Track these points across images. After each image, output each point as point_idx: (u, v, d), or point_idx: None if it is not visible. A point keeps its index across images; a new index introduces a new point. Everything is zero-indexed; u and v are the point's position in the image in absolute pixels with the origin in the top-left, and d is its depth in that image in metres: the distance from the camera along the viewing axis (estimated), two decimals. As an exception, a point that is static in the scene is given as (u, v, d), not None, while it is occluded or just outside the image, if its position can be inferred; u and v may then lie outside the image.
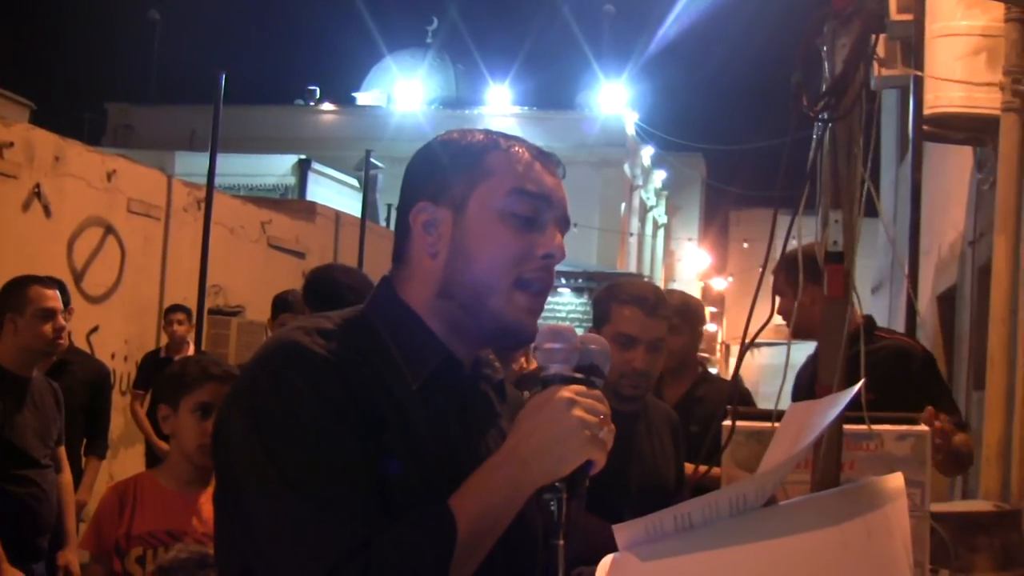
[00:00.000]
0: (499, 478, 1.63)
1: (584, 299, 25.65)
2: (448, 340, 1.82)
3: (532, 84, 37.17)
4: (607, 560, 1.46)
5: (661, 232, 44.59)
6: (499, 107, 35.56)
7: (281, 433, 1.62)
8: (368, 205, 20.99)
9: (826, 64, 2.46)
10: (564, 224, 1.87)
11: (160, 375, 3.98)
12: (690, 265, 46.20)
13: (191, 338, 9.24)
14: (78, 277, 9.90)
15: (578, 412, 1.62)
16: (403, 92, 37.40)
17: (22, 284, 4.89)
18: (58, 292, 4.94)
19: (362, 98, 39.10)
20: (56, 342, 4.89)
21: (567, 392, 1.64)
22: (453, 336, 1.82)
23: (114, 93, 37.24)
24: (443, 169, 1.84)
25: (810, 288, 2.79)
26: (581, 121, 33.71)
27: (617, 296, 3.47)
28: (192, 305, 9.83)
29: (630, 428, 3.47)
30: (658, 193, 42.86)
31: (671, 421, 3.69)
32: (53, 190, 9.44)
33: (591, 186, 31.88)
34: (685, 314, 4.75)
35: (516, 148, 1.85)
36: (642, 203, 39.72)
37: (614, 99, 35.58)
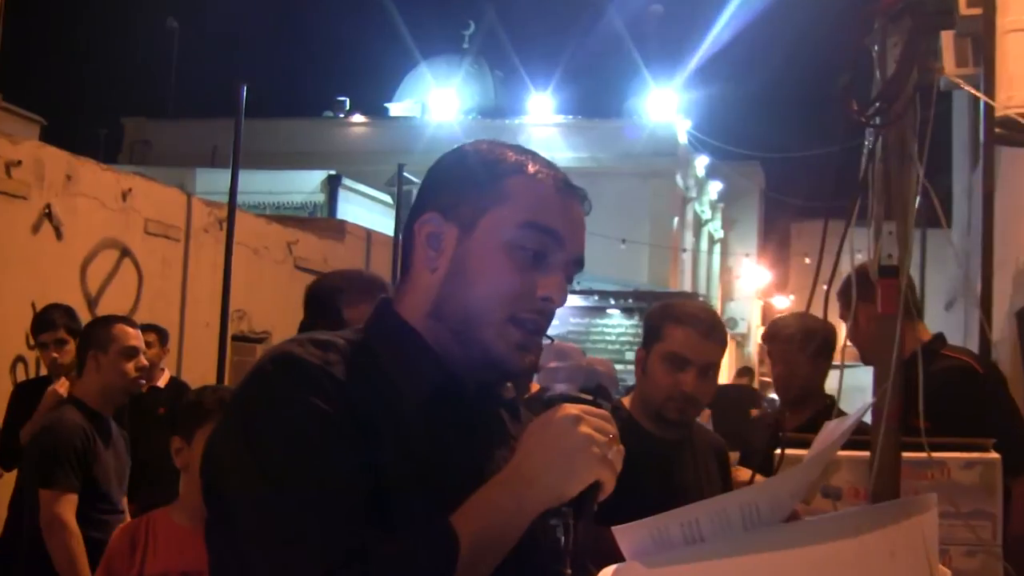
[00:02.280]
0: (502, 496, 1.65)
1: (635, 320, 25.56)
2: (446, 359, 1.84)
3: (576, 91, 37.21)
4: (608, 571, 1.48)
5: (717, 247, 44.41)
6: (540, 116, 35.56)
7: (272, 442, 1.65)
8: (401, 223, 21.07)
9: (877, 65, 2.46)
10: (576, 267, 1.88)
11: (174, 405, 4.05)
12: (749, 282, 45.96)
13: (166, 363, 8.43)
14: (92, 303, 10.01)
15: (585, 429, 1.65)
16: (438, 102, 37.51)
17: (106, 322, 5.18)
18: (140, 332, 5.19)
19: (395, 109, 39.22)
20: (138, 381, 5.15)
21: (573, 409, 1.67)
22: (447, 357, 1.84)
23: (130, 107, 37.58)
24: (459, 182, 1.87)
25: (866, 307, 2.79)
26: (631, 129, 33.61)
27: (672, 314, 3.50)
28: (215, 330, 9.90)
29: (673, 457, 3.48)
30: (713, 206, 42.68)
31: (718, 451, 3.69)
32: (65, 211, 9.56)
33: (640, 199, 31.80)
34: (805, 341, 4.66)
35: (541, 176, 1.85)
36: (696, 216, 39.58)
37: (663, 106, 35.50)
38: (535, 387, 7.32)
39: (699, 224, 40.61)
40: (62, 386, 5.59)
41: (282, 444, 1.64)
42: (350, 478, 1.63)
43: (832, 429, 1.87)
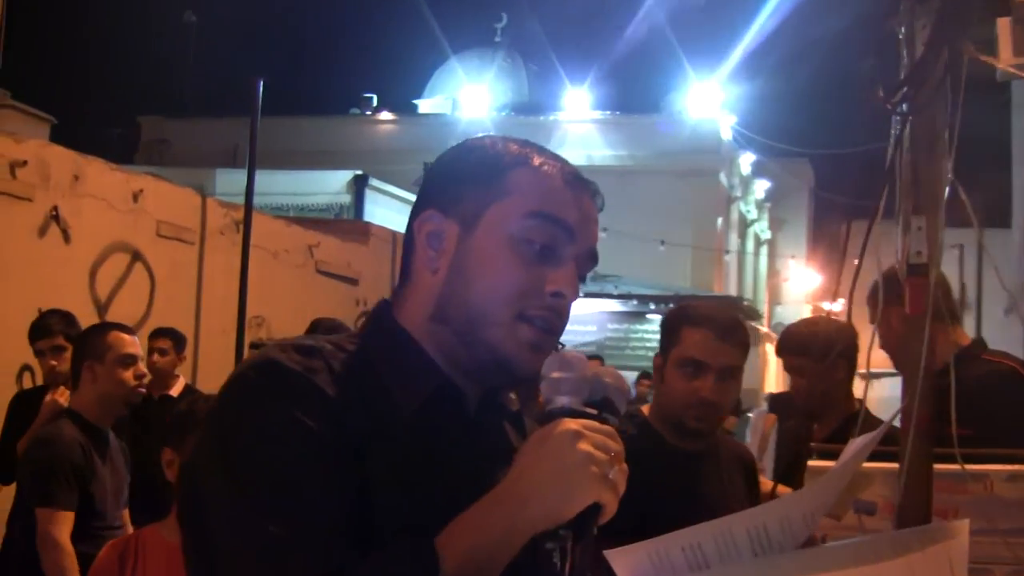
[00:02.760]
0: (493, 516, 1.61)
1: (675, 327, 25.48)
2: (446, 367, 1.82)
3: (614, 86, 36.89)
4: None
5: (764, 249, 44.24)
6: (576, 112, 35.55)
7: (248, 453, 1.63)
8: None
9: (903, 48, 2.40)
10: (589, 261, 1.85)
11: (165, 417, 4.04)
12: (797, 286, 45.71)
13: (181, 371, 8.08)
14: (102, 308, 10.05)
15: (585, 446, 1.59)
16: (469, 98, 37.59)
17: (101, 330, 5.19)
18: (136, 339, 5.19)
19: (424, 105, 39.32)
20: (137, 389, 5.12)
21: (573, 424, 1.62)
22: (448, 364, 1.82)
23: (147, 105, 37.66)
24: (460, 177, 1.85)
25: (899, 311, 2.72)
26: (665, 124, 33.53)
27: (687, 316, 3.48)
28: (231, 338, 9.91)
29: (696, 469, 3.45)
30: (759, 205, 42.53)
31: (744, 462, 3.65)
32: (72, 213, 9.59)
33: (681, 198, 31.74)
34: (826, 348, 4.55)
35: (548, 168, 1.83)
36: (741, 217, 39.46)
37: (706, 100, 35.38)
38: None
39: (744, 225, 40.48)
40: (61, 395, 5.59)
41: (259, 461, 1.62)
42: (331, 497, 1.61)
43: (856, 444, 1.82)
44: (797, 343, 4.58)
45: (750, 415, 15.02)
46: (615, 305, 24.48)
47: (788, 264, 45.31)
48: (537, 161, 1.84)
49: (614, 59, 35.78)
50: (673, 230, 29.85)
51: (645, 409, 3.63)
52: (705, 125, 34.04)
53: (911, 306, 2.36)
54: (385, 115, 36.44)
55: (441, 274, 1.81)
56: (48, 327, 6.21)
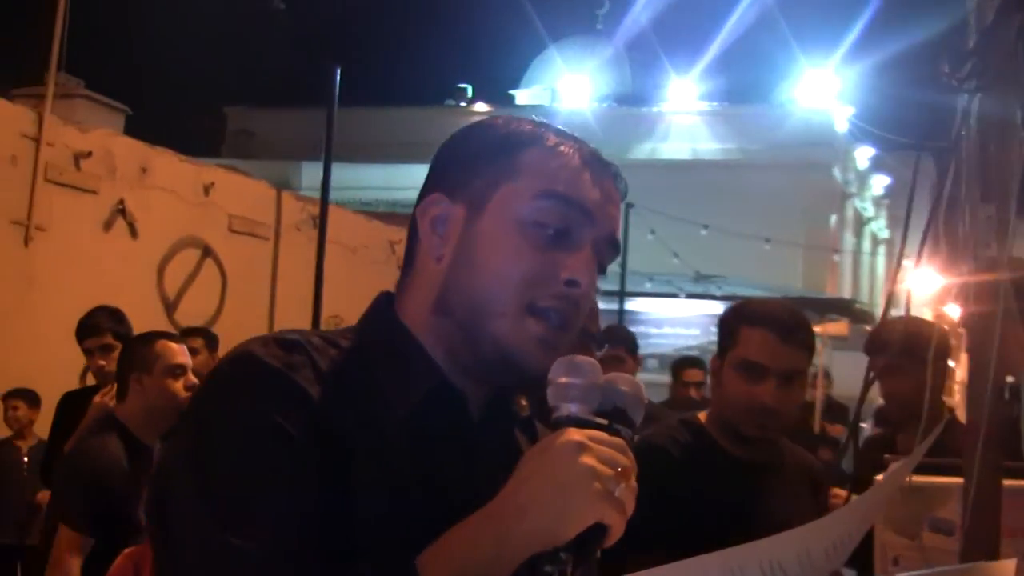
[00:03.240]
0: (483, 533, 1.53)
1: (784, 330, 25.19)
2: (447, 366, 1.75)
3: (722, 75, 36.54)
4: None
5: (882, 249, 43.61)
6: (682, 103, 35.32)
7: (215, 455, 1.58)
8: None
9: (973, 18, 2.28)
10: (610, 250, 1.78)
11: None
12: (918, 288, 45.01)
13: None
14: (170, 307, 10.15)
15: (587, 459, 1.50)
16: (569, 88, 37.53)
17: (147, 340, 5.10)
18: (185, 347, 5.13)
19: (521, 96, 39.39)
20: (187, 401, 5.04)
21: (576, 435, 1.53)
22: (451, 362, 1.75)
23: (232, 95, 38.11)
24: (468, 158, 1.78)
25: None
26: (778, 116, 33.20)
27: (747, 316, 3.39)
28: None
29: (755, 481, 3.34)
30: (877, 202, 41.94)
31: (813, 474, 3.54)
32: (139, 206, 9.70)
33: (793, 195, 31.36)
34: (912, 349, 4.36)
35: (564, 147, 1.77)
36: (857, 214, 38.92)
37: (820, 90, 34.93)
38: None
39: (860, 223, 39.91)
40: (109, 395, 5.58)
41: (226, 465, 1.56)
42: (305, 508, 1.55)
43: (893, 469, 1.71)
44: (899, 342, 4.39)
45: (864, 426, 14.82)
46: (719, 308, 24.26)
47: (906, 265, 44.58)
48: (552, 140, 1.77)
49: (722, 47, 35.42)
50: (783, 228, 29.48)
51: (702, 416, 3.54)
52: (818, 116, 33.60)
53: (979, 303, 2.24)
54: (481, 106, 36.51)
55: (445, 262, 1.75)
56: (96, 325, 6.20)
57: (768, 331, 3.29)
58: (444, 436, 1.71)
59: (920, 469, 3.13)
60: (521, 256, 1.70)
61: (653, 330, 25.77)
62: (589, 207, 1.73)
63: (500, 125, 1.81)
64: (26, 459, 8.32)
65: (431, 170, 1.84)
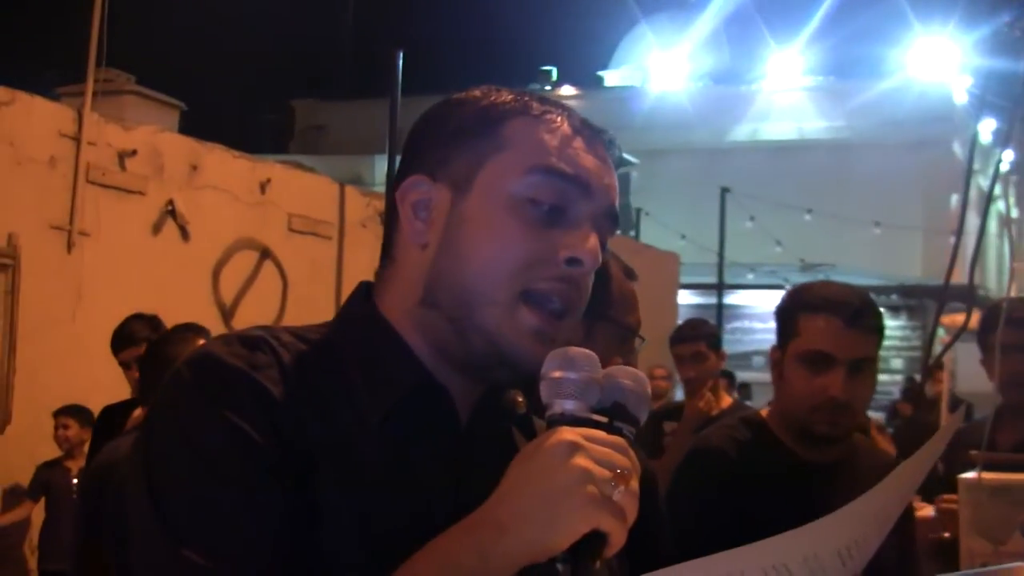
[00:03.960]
0: (464, 546, 1.48)
1: (901, 321, 24.94)
2: (433, 363, 1.72)
3: (828, 48, 36.16)
4: None
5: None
6: (785, 79, 35.01)
7: (169, 463, 1.57)
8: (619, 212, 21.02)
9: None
10: (609, 223, 1.76)
11: None
12: (1050, 272, 44.22)
13: None
14: (227, 314, 10.21)
15: (581, 461, 1.45)
16: (661, 67, 37.37)
17: (182, 338, 4.97)
18: None
19: (610, 77, 39.33)
20: None
21: (569, 434, 1.48)
22: (439, 358, 1.72)
23: (301, 87, 38.37)
24: (448, 134, 1.77)
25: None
26: (891, 89, 32.78)
27: (807, 302, 3.33)
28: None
29: (825, 484, 3.26)
30: (1004, 179, 41.28)
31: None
32: (191, 207, 9.76)
33: (908, 173, 30.99)
34: None
35: (551, 115, 1.76)
36: (980, 193, 38.35)
37: (936, 59, 34.42)
38: (727, 402, 7.18)
39: (986, 202, 39.30)
40: None
41: (181, 473, 1.56)
42: (266, 519, 1.53)
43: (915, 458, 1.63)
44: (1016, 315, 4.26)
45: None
46: (829, 298, 24.06)
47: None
48: (537, 109, 1.76)
49: (827, 15, 35.06)
50: (897, 211, 29.13)
51: (764, 412, 3.47)
52: (935, 88, 33.13)
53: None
54: (567, 89, 36.47)
55: (431, 249, 1.73)
56: (132, 335, 6.20)
57: (832, 316, 3.23)
58: (427, 440, 1.68)
59: (1011, 467, 3.04)
60: (515, 237, 1.67)
61: (758, 325, 25.62)
62: (585, 179, 1.71)
63: (479, 97, 1.79)
64: (75, 481, 8.36)
65: (407, 151, 1.82)
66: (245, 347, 1.63)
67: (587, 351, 1.57)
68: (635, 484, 1.48)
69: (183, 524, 1.51)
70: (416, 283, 1.73)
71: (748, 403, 11.90)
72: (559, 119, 1.75)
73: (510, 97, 1.78)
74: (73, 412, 8.31)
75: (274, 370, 1.61)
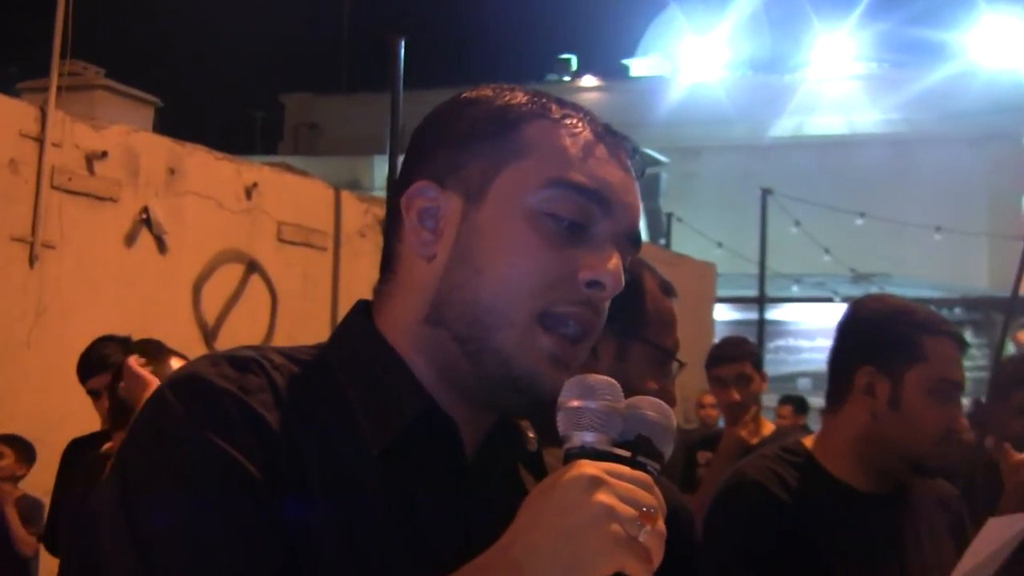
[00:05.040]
0: None
1: (967, 338, 24.83)
2: (437, 388, 1.74)
3: (881, 31, 36.15)
4: None
5: (1088, 235, 42.91)
6: (832, 67, 35.01)
7: (154, 496, 1.56)
8: (647, 216, 20.88)
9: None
10: (631, 245, 1.80)
11: None
12: None
13: None
14: (210, 335, 10.22)
15: (604, 497, 1.46)
16: (694, 54, 37.40)
17: (156, 358, 5.07)
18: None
19: (637, 66, 39.39)
20: None
21: (591, 468, 1.49)
22: (444, 383, 1.74)
23: (292, 81, 38.45)
24: (460, 138, 1.79)
25: None
26: (954, 76, 32.72)
27: (926, 324, 3.33)
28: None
29: (884, 518, 3.31)
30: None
31: (949, 507, 3.48)
32: (169, 215, 9.77)
33: (973, 172, 31.06)
34: None
35: (572, 120, 1.78)
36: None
37: (1005, 43, 34.34)
38: (768, 428, 7.14)
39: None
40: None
41: (168, 507, 1.55)
42: (261, 559, 1.54)
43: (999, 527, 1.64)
44: None
45: None
46: (884, 313, 24.02)
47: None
48: (557, 112, 1.78)
49: (880, -2, 35.06)
50: (961, 214, 29.12)
51: (808, 442, 3.46)
52: (1003, 76, 33.08)
53: None
54: (588, 80, 36.61)
55: (439, 262, 1.76)
56: (102, 360, 6.18)
57: (954, 342, 3.29)
58: (430, 473, 1.70)
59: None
60: (534, 254, 1.70)
61: (804, 343, 25.60)
62: (608, 196, 1.74)
63: (492, 96, 1.81)
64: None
65: (412, 153, 1.85)
66: (235, 368, 1.64)
67: (607, 378, 1.58)
68: (661, 525, 1.49)
69: (168, 558, 1.52)
70: (421, 299, 1.75)
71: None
72: (580, 124, 1.77)
73: (526, 98, 1.80)
74: (9, 441, 8.11)
75: (267, 394, 1.63)
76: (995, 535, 2.85)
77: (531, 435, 1.87)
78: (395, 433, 1.67)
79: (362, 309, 1.83)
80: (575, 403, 1.55)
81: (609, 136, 1.79)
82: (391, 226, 1.83)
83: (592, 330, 1.74)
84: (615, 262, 1.72)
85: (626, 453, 1.55)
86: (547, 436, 1.80)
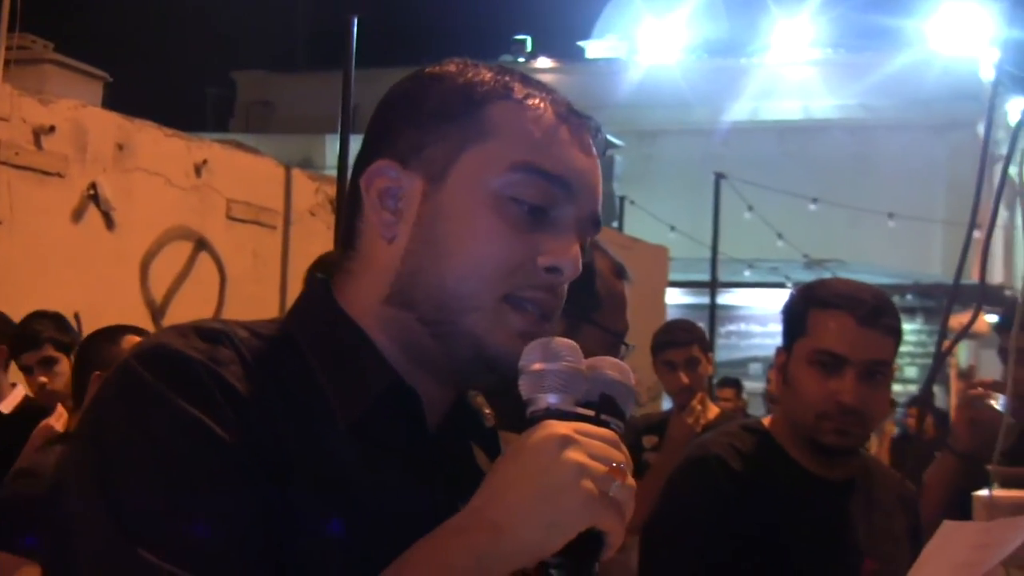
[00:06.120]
0: (453, 550, 1.55)
1: (918, 324, 24.95)
2: (402, 365, 1.78)
3: (840, 16, 36.11)
4: None
5: (1044, 223, 43.05)
6: (791, 52, 34.99)
7: (129, 466, 1.58)
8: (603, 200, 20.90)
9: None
10: (591, 227, 1.84)
11: None
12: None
13: None
14: (158, 312, 10.16)
15: (575, 455, 1.53)
16: (651, 37, 37.32)
17: (111, 336, 5.09)
18: None
19: (593, 48, 39.25)
20: None
21: (562, 428, 1.56)
22: (407, 360, 1.78)
23: (244, 59, 38.24)
24: (422, 116, 1.82)
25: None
26: (912, 63, 32.76)
27: (818, 297, 3.40)
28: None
29: (837, 504, 3.31)
30: (1035, 166, 41.37)
31: (904, 499, 3.49)
32: (117, 191, 9.69)
33: (929, 159, 31.08)
34: None
35: (536, 101, 1.81)
36: (1010, 183, 38.43)
37: (962, 30, 34.39)
38: (713, 412, 7.18)
39: (1015, 192, 39.39)
40: (57, 419, 5.56)
41: (143, 475, 1.57)
42: (237, 526, 1.56)
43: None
44: None
45: None
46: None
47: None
48: (521, 92, 1.80)
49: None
50: (916, 200, 29.13)
51: (767, 421, 3.51)
52: (961, 64, 33.10)
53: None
54: (543, 62, 36.44)
55: (400, 244, 1.78)
56: (34, 335, 6.17)
57: (845, 314, 3.29)
58: (397, 445, 1.73)
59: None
60: (498, 238, 1.74)
61: (756, 328, 25.61)
62: (571, 181, 1.76)
63: (456, 73, 1.84)
64: None
65: (372, 131, 1.86)
66: (204, 340, 1.66)
67: (568, 341, 1.63)
68: (631, 479, 1.55)
69: (145, 527, 1.53)
70: (382, 279, 1.78)
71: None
72: (544, 104, 1.80)
73: (490, 75, 1.82)
74: None
75: (237, 366, 1.65)
76: (954, 540, 2.84)
77: (487, 411, 1.92)
78: (364, 408, 1.71)
79: (321, 284, 1.85)
80: (538, 366, 1.60)
81: (573, 117, 1.81)
82: (351, 202, 1.85)
83: (552, 312, 1.77)
84: (575, 249, 1.75)
85: (590, 413, 1.60)
86: (503, 420, 1.85)
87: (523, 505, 1.52)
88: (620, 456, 1.55)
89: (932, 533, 3.08)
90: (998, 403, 3.98)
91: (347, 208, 1.87)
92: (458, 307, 1.72)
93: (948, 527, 2.87)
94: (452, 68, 1.85)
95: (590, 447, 1.53)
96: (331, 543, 1.61)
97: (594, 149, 1.82)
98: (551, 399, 1.59)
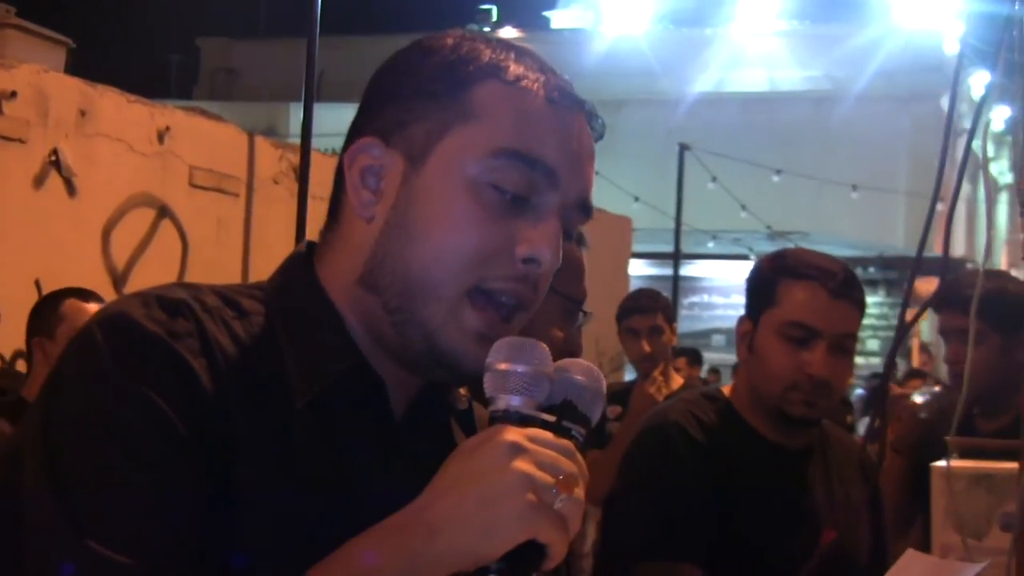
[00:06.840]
0: (389, 547, 1.51)
1: (880, 297, 25.09)
2: (369, 347, 1.74)
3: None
4: None
5: (1004, 197, 43.24)
6: (756, 23, 35.04)
7: (74, 439, 1.55)
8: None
9: None
10: (579, 214, 1.79)
11: None
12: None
13: None
14: (119, 280, 10.09)
15: (522, 465, 1.48)
16: (616, 7, 37.31)
17: (54, 300, 5.15)
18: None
19: (558, 19, 39.24)
20: None
21: (512, 434, 1.51)
22: (374, 345, 1.75)
23: (209, 26, 38.10)
24: (408, 93, 1.76)
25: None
26: (876, 36, 32.83)
27: (790, 267, 3.38)
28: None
29: (801, 474, 3.32)
30: (999, 140, 41.55)
31: (862, 461, 3.51)
32: (79, 157, 9.62)
33: (893, 131, 31.16)
34: (1000, 310, 4.37)
35: (527, 82, 1.74)
36: (972, 156, 38.58)
37: (925, 3, 34.49)
38: (678, 383, 7.20)
39: (977, 166, 39.57)
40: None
41: (87, 451, 1.55)
42: (179, 509, 1.54)
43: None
44: (961, 296, 4.31)
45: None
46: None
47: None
48: (513, 72, 1.74)
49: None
50: (879, 172, 29.27)
51: (726, 390, 3.51)
52: (924, 37, 33.21)
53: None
54: (508, 31, 36.32)
55: (376, 225, 1.74)
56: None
57: (818, 285, 3.28)
58: (357, 430, 1.70)
59: (992, 454, 3.10)
60: (471, 226, 1.68)
61: (719, 299, 25.74)
62: (556, 168, 1.70)
63: (450, 47, 1.78)
64: None
65: (365, 103, 1.81)
66: (165, 311, 1.63)
67: (537, 341, 1.59)
68: (580, 492, 1.51)
69: (89, 512, 1.51)
70: (357, 259, 1.75)
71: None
72: (535, 86, 1.73)
73: (486, 53, 1.75)
74: None
75: (194, 340, 1.62)
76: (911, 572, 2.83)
77: (462, 392, 1.89)
78: (321, 386, 1.67)
79: (304, 254, 1.82)
80: (503, 366, 1.56)
81: (565, 100, 1.75)
82: (337, 178, 1.80)
83: (528, 304, 1.73)
84: (556, 238, 1.70)
85: (551, 418, 1.57)
86: (481, 395, 1.84)
87: (460, 509, 1.49)
88: (571, 467, 1.51)
89: (895, 539, 3.10)
90: (918, 396, 4.01)
91: (334, 181, 1.82)
92: (420, 297, 1.69)
93: (910, 556, 2.88)
94: (448, 41, 1.79)
95: (540, 456, 1.50)
96: (273, 531, 1.59)
97: (588, 133, 1.78)
98: (513, 400, 1.56)
